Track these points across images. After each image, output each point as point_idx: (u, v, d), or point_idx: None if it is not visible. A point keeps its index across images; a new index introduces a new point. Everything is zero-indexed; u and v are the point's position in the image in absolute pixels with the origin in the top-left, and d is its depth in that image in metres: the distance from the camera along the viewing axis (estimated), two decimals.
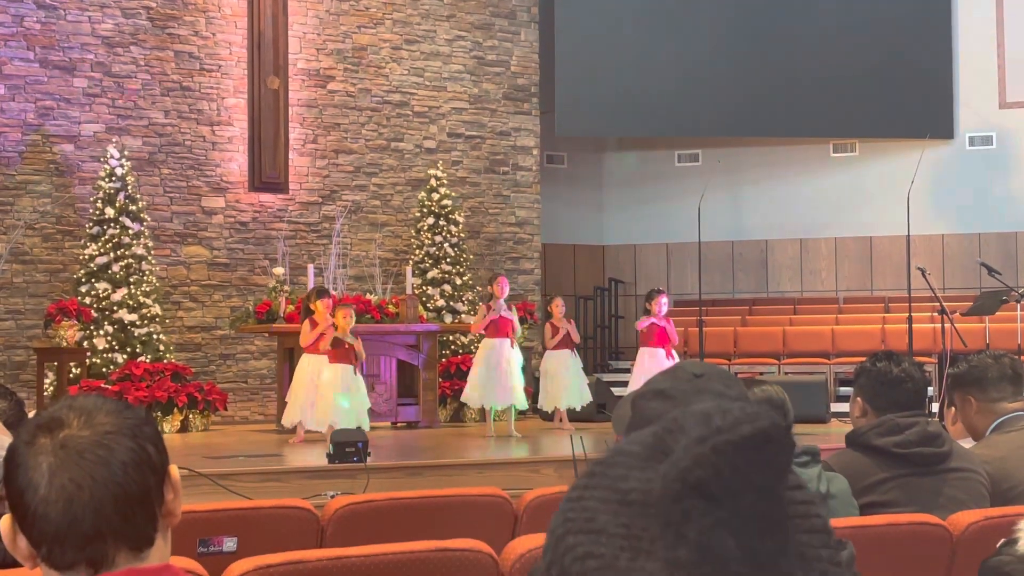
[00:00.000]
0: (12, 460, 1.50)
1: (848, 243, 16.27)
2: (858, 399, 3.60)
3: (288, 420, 10.43)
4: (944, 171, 15.65)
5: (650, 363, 11.18)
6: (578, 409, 11.42)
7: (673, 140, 16.53)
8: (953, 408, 3.99)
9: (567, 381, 11.35)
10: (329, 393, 9.81)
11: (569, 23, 15.35)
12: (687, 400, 1.73)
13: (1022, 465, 3.63)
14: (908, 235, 12.68)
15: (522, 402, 10.88)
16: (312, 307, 10.34)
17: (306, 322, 10.33)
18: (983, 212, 15.66)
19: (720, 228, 15.86)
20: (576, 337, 11.64)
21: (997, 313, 12.31)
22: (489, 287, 10.97)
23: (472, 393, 10.87)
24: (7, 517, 1.50)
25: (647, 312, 11.55)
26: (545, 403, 11.51)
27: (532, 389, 11.78)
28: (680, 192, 16.07)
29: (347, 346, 9.94)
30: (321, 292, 10.52)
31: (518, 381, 10.79)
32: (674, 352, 11.55)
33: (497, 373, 10.63)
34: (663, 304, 11.43)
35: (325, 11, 13.82)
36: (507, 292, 10.85)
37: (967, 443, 3.85)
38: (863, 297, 16.10)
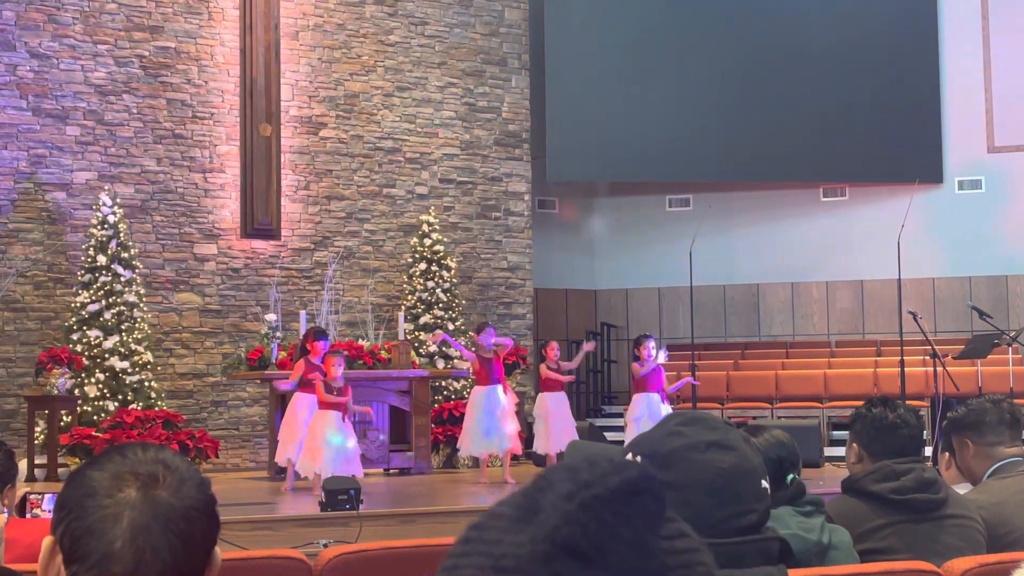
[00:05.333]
0: (87, 493, 1.47)
1: (839, 287, 16.31)
2: (854, 445, 3.59)
3: (280, 458, 10.44)
4: (934, 215, 15.72)
5: (647, 408, 11.15)
6: None
7: (664, 185, 16.59)
8: (947, 453, 3.98)
9: (558, 424, 11.33)
10: (318, 438, 9.79)
11: (560, 69, 15.45)
12: (743, 450, 1.74)
13: (1019, 511, 3.61)
14: (899, 279, 12.72)
15: (513, 446, 10.84)
16: (308, 347, 10.34)
17: (300, 362, 10.32)
18: (973, 255, 15.71)
19: (711, 272, 15.88)
20: (573, 365, 11.75)
21: (989, 356, 12.32)
22: (476, 336, 10.99)
23: (466, 441, 10.83)
24: (50, 540, 1.49)
25: (636, 358, 11.54)
26: (539, 446, 11.48)
27: (525, 435, 11.73)
28: (671, 237, 16.11)
29: (335, 392, 9.91)
30: (319, 333, 10.51)
31: (511, 427, 10.77)
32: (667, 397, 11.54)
33: (491, 419, 10.61)
34: (651, 348, 11.42)
35: (317, 59, 13.89)
36: (492, 341, 10.80)
37: (962, 489, 3.84)
38: (855, 341, 16.11)
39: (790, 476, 2.99)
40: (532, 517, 0.91)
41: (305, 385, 10.17)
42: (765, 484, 1.74)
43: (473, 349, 10.96)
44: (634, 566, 0.89)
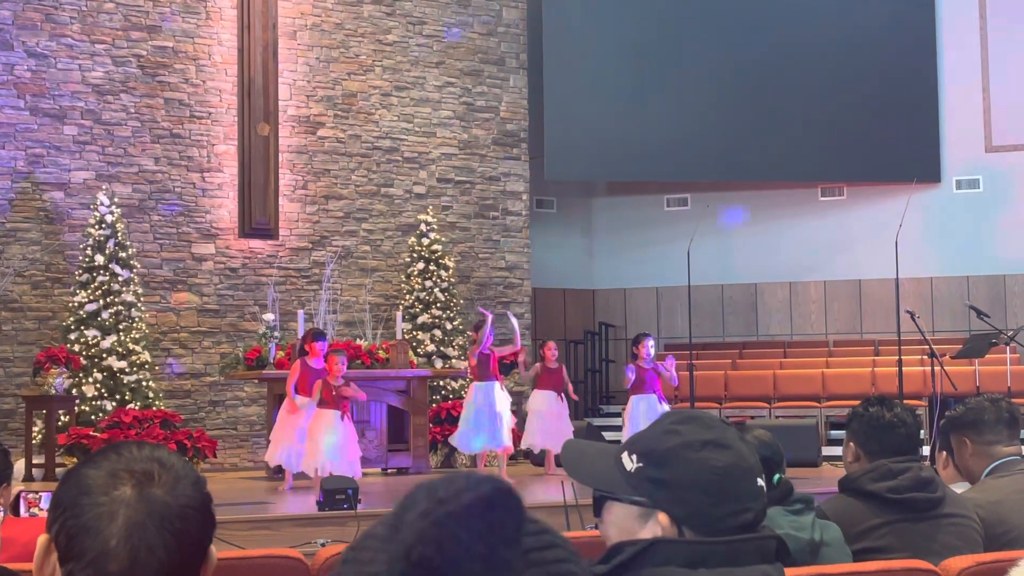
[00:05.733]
0: (83, 491, 1.47)
1: (837, 286, 16.31)
2: (851, 444, 3.59)
3: (271, 458, 10.43)
4: (932, 214, 15.73)
5: (645, 409, 11.15)
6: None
7: (662, 185, 16.59)
8: (945, 452, 3.98)
9: (551, 423, 11.35)
10: (317, 436, 9.81)
11: (558, 69, 15.44)
12: (740, 448, 1.74)
13: (1017, 509, 3.62)
14: (897, 278, 12.72)
15: (507, 443, 10.84)
16: (307, 348, 10.34)
17: (296, 363, 10.33)
18: (971, 255, 15.71)
19: (710, 272, 15.89)
20: (567, 381, 11.67)
21: (987, 356, 12.33)
22: (473, 334, 10.96)
23: (461, 438, 10.82)
24: (45, 538, 1.49)
25: (634, 357, 11.54)
26: (532, 444, 11.48)
27: (519, 432, 11.73)
28: (669, 236, 16.11)
29: (335, 392, 9.93)
30: (317, 334, 10.52)
31: (506, 424, 10.77)
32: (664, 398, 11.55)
33: (488, 415, 10.61)
34: (649, 348, 11.43)
35: (315, 58, 13.89)
36: (492, 340, 10.81)
37: (960, 488, 3.84)
38: (853, 340, 16.11)
39: (776, 476, 2.99)
40: (395, 535, 0.92)
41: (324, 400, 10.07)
42: (761, 482, 1.74)
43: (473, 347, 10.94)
44: None
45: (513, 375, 13.17)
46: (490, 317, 10.72)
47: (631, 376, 11.33)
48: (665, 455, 1.74)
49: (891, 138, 15.81)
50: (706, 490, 1.70)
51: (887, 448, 3.48)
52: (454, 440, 11.01)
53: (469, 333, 11.02)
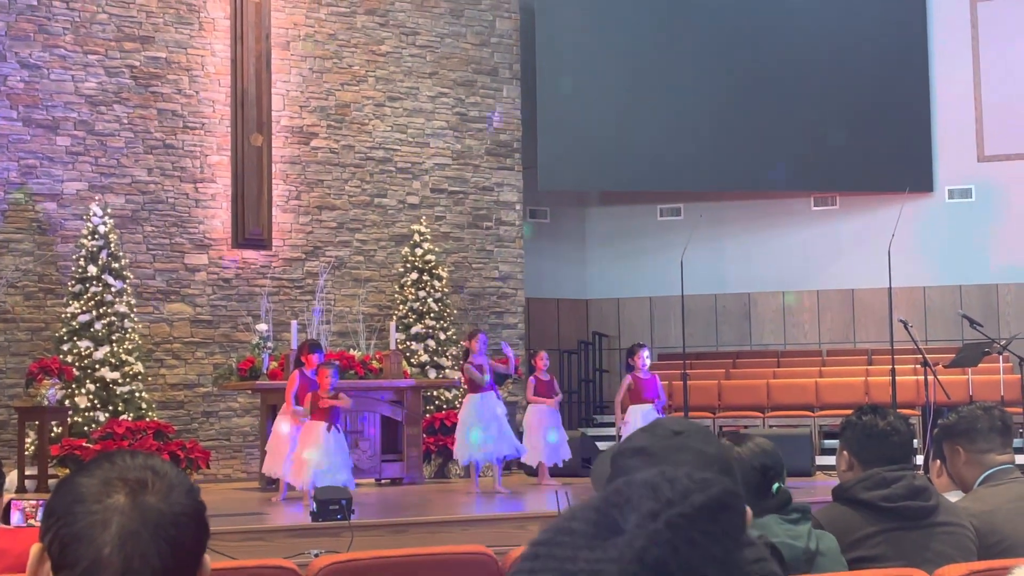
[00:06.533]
0: (76, 500, 1.46)
1: (830, 295, 16.33)
2: (844, 453, 3.59)
3: (268, 469, 10.44)
4: (925, 224, 15.76)
5: (642, 420, 11.17)
6: (560, 465, 11.39)
7: (655, 194, 16.61)
8: (939, 461, 3.99)
9: (544, 436, 11.36)
10: (303, 449, 9.80)
11: (550, 79, 15.47)
12: (667, 458, 1.71)
13: (1010, 519, 3.62)
14: (890, 287, 12.74)
15: (518, 449, 10.86)
16: (303, 359, 10.32)
17: (294, 373, 10.31)
18: (964, 264, 15.75)
19: (703, 281, 15.90)
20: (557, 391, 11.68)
21: (980, 365, 12.35)
22: (466, 343, 10.95)
23: (461, 449, 10.77)
24: (39, 547, 1.48)
25: (630, 368, 11.55)
26: (528, 457, 11.47)
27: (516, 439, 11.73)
28: (663, 246, 16.12)
29: (322, 404, 9.92)
30: (313, 345, 10.50)
31: (509, 432, 10.80)
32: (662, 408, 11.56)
33: (490, 427, 10.62)
34: (645, 358, 11.46)
35: (308, 69, 13.90)
36: (486, 348, 10.84)
37: (953, 496, 3.84)
38: (846, 349, 16.13)
39: (775, 485, 2.99)
40: (610, 535, 0.89)
41: (315, 411, 10.06)
42: None
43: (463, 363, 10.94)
44: None
45: (507, 385, 13.16)
46: (510, 355, 10.89)
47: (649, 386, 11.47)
48: (614, 459, 1.76)
49: (884, 148, 15.85)
50: None
51: (881, 456, 3.48)
52: (469, 453, 10.82)
53: (463, 343, 10.99)
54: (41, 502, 4.02)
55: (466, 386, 10.88)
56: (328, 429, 9.84)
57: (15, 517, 4.02)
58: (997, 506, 3.65)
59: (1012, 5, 15.84)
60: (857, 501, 3.44)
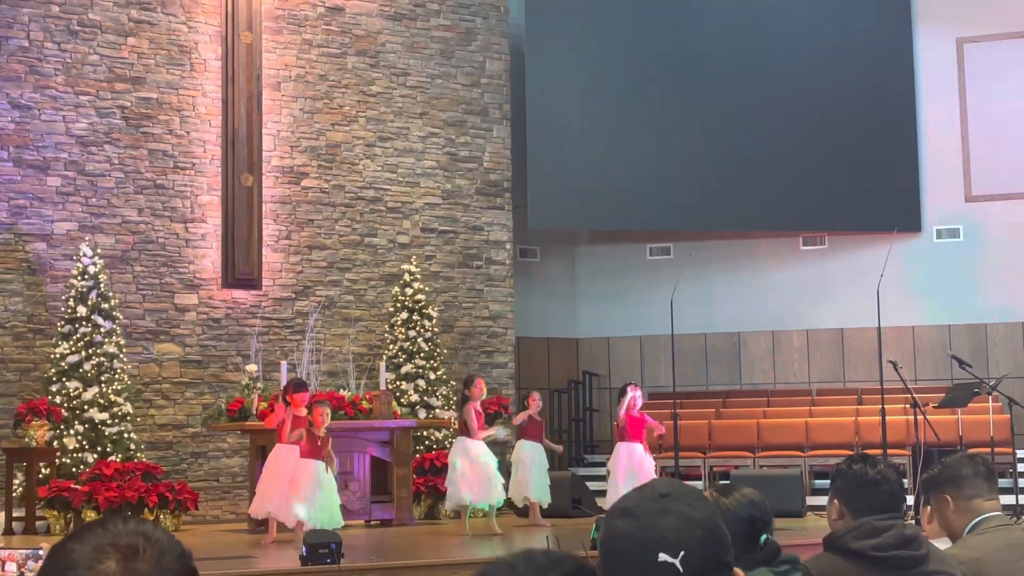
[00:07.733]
0: (68, 566, 1.46)
1: (820, 335, 16.36)
2: (835, 502, 3.60)
3: (256, 511, 10.34)
4: (913, 263, 15.82)
5: (628, 458, 11.31)
6: (544, 505, 11.43)
7: (645, 234, 16.66)
8: (929, 508, 4.00)
9: (533, 473, 11.39)
10: (298, 488, 9.78)
11: (540, 119, 15.54)
12: (650, 520, 1.73)
13: (998, 565, 3.63)
14: (879, 327, 12.77)
15: (501, 495, 10.87)
16: (288, 399, 10.27)
17: (279, 406, 10.24)
18: (952, 304, 15.80)
19: (693, 321, 15.93)
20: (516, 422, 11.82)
21: (969, 405, 12.36)
22: (466, 390, 10.89)
23: (455, 493, 10.75)
24: None
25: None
26: (514, 493, 11.48)
27: (505, 481, 11.72)
28: (652, 285, 16.16)
29: (319, 442, 9.92)
30: (299, 384, 10.45)
31: (497, 476, 10.79)
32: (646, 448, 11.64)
33: (478, 470, 10.63)
34: (636, 398, 11.62)
35: (299, 109, 13.95)
36: (484, 394, 10.91)
37: (943, 543, 3.85)
38: (836, 389, 16.15)
39: (763, 536, 2.99)
40: None
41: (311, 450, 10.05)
42: (668, 559, 1.72)
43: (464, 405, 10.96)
44: None
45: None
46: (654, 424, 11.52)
47: (652, 422, 11.59)
48: (605, 519, 1.81)
49: (872, 188, 15.93)
50: (603, 556, 1.77)
51: (871, 505, 3.49)
52: (449, 497, 10.86)
53: (466, 392, 10.89)
54: (29, 551, 4.01)
55: (456, 427, 10.87)
56: (325, 469, 9.88)
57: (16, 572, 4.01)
58: (986, 554, 3.66)
59: (998, 46, 15.99)
60: (848, 550, 3.44)
